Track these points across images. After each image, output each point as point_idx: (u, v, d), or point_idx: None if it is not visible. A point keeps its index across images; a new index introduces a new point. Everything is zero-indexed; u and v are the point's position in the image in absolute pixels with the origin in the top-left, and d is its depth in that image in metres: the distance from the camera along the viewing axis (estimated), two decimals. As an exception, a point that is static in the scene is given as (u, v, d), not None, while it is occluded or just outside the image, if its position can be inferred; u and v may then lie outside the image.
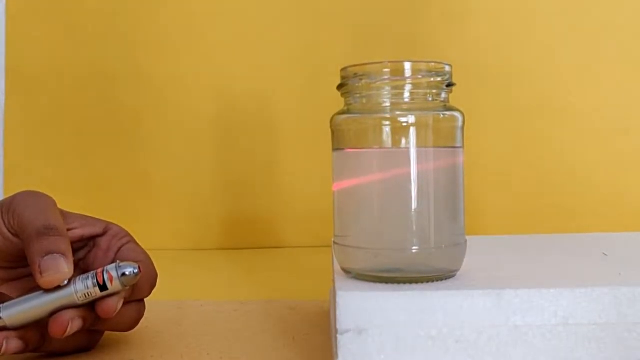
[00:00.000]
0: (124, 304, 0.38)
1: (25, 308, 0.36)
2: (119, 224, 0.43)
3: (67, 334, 0.36)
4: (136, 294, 0.40)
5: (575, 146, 0.87)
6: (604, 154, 0.87)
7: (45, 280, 0.35)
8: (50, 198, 0.40)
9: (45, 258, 0.35)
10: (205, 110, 0.89)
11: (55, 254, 0.36)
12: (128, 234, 0.43)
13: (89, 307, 0.37)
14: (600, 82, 0.87)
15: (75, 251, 0.40)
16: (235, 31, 0.89)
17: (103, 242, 0.42)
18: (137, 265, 0.37)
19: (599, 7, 0.87)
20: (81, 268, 0.42)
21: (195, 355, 0.41)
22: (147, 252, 0.42)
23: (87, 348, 0.41)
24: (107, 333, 0.43)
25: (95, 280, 0.36)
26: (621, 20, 0.87)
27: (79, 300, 0.36)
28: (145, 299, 0.42)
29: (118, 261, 0.37)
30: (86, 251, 0.42)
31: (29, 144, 0.90)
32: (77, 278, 0.36)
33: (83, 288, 0.36)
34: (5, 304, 0.36)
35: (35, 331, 0.37)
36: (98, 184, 0.89)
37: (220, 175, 0.90)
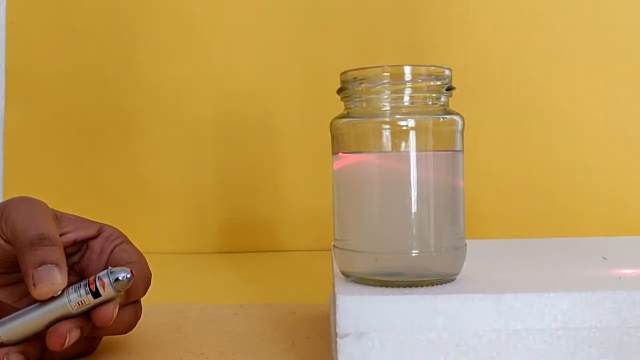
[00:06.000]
0: (121, 307, 0.37)
1: (21, 323, 0.36)
2: (118, 227, 0.43)
3: (65, 346, 0.35)
4: (131, 296, 0.39)
5: (575, 150, 0.87)
6: (604, 158, 0.87)
7: (39, 292, 0.35)
8: (43, 204, 0.40)
9: (39, 269, 0.35)
10: (205, 113, 0.89)
11: (48, 265, 0.35)
12: (122, 235, 0.43)
13: (86, 315, 0.36)
14: (600, 86, 0.87)
15: (69, 255, 0.39)
16: (235, 34, 0.89)
17: (96, 244, 0.41)
18: (129, 270, 0.36)
19: (598, 12, 0.87)
20: (76, 272, 0.41)
21: (195, 359, 0.41)
22: (146, 255, 0.42)
23: (87, 353, 0.41)
24: (106, 337, 0.42)
25: (88, 289, 0.36)
26: (621, 25, 0.87)
27: (73, 310, 0.36)
28: (145, 303, 0.42)
29: (110, 267, 0.36)
30: (80, 255, 0.42)
31: (29, 146, 0.89)
32: (70, 288, 0.36)
33: (77, 297, 0.36)
34: (0, 320, 0.36)
35: (35, 344, 0.37)
36: (97, 186, 0.89)
37: (219, 178, 0.90)
